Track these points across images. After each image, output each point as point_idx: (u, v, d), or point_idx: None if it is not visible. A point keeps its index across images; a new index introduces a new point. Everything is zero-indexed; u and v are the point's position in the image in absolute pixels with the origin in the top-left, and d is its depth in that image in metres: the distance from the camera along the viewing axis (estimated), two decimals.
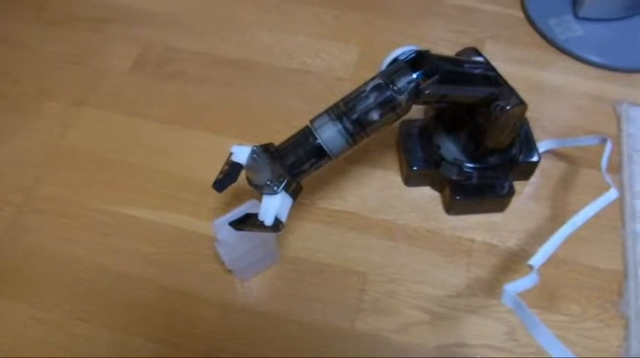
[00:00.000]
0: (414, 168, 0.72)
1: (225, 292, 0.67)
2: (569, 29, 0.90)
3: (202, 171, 0.76)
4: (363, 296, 0.67)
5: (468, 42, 0.73)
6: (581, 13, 0.90)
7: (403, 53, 0.56)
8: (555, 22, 0.91)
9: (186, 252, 0.70)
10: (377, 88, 0.54)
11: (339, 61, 0.88)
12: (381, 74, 0.55)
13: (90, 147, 0.80)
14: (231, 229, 0.59)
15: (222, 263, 0.64)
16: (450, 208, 0.72)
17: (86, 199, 0.75)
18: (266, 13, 0.95)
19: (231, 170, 0.58)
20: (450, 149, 0.70)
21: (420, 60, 0.55)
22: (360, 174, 0.76)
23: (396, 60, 0.56)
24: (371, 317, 0.65)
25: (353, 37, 0.91)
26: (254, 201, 0.60)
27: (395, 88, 0.53)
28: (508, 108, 0.61)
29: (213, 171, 0.75)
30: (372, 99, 0.54)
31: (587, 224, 0.63)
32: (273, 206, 0.54)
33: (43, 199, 0.75)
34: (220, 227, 0.59)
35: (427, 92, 0.54)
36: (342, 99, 0.56)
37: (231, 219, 0.59)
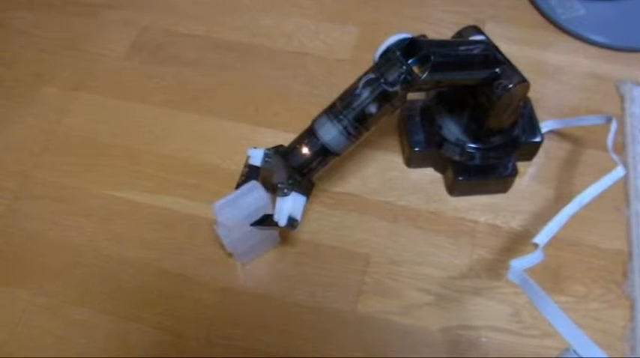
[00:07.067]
0: (416, 149, 0.71)
1: (225, 275, 0.67)
2: (571, 9, 0.89)
3: (201, 154, 0.76)
4: (365, 279, 0.66)
5: (468, 22, 0.71)
6: None
7: (397, 42, 0.55)
8: (557, 1, 0.89)
9: (186, 236, 0.69)
10: (369, 82, 0.54)
11: (338, 43, 0.87)
12: (373, 68, 0.55)
13: (87, 133, 0.79)
14: (231, 211, 0.58)
15: (222, 246, 0.63)
16: (453, 189, 0.71)
17: (84, 184, 0.74)
18: None
19: (251, 172, 0.61)
20: (452, 130, 0.69)
21: (412, 48, 0.54)
22: (361, 155, 0.75)
23: (388, 50, 0.56)
24: (373, 299, 0.65)
25: (352, 18, 0.90)
26: (253, 182, 0.59)
27: (387, 80, 0.53)
28: (510, 86, 0.60)
29: (211, 154, 0.75)
30: (366, 94, 0.54)
31: (591, 204, 0.62)
32: (286, 207, 0.57)
33: (40, 185, 0.74)
34: (220, 209, 0.59)
35: (421, 80, 0.53)
36: (339, 98, 0.56)
37: (231, 201, 0.59)
